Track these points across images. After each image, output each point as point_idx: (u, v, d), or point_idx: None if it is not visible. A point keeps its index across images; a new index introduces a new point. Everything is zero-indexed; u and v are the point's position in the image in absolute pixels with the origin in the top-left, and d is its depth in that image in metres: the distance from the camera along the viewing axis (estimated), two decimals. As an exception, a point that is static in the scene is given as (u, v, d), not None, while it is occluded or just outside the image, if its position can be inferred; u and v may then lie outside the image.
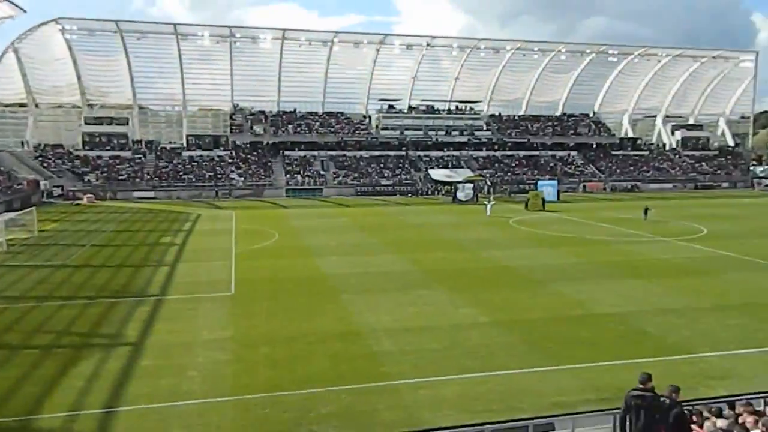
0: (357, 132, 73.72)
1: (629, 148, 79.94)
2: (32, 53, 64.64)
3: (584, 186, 68.89)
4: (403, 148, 72.81)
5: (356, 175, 67.01)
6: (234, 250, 29.23)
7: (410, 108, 76.41)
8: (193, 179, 62.74)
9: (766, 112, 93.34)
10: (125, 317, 17.81)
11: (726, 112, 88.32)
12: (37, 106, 68.87)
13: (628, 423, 8.28)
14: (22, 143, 66.08)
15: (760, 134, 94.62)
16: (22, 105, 68.35)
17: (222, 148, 68.85)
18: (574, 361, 14.20)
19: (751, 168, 79.53)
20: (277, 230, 36.17)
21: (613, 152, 78.04)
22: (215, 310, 18.66)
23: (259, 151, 69.96)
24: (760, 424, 7.52)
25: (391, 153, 72.04)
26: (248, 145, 70.67)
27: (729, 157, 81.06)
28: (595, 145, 79.09)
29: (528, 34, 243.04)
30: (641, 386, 8.39)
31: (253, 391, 12.37)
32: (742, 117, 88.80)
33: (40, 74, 67.33)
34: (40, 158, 63.07)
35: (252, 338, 15.87)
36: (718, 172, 77.03)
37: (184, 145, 69.75)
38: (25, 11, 52.91)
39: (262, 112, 74.22)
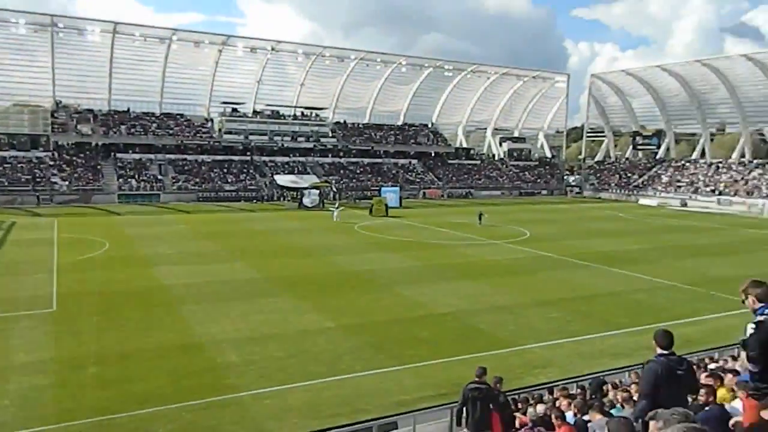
0: (198, 135, 70.48)
1: (463, 158, 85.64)
2: None
3: (424, 193, 72.54)
4: (248, 153, 71.09)
5: (197, 180, 64.02)
6: (56, 262, 26.42)
7: (255, 112, 74.86)
8: (6, 183, 55.61)
9: (576, 128, 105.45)
10: None
11: (544, 127, 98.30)
12: None
13: (465, 414, 8.84)
14: None
15: (572, 147, 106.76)
16: None
17: (42, 149, 61.76)
18: (415, 360, 14.87)
19: (565, 177, 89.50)
20: (108, 239, 33.32)
21: (450, 161, 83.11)
22: (33, 329, 16.71)
23: (87, 153, 63.89)
24: (572, 405, 8.47)
25: (235, 158, 69.95)
26: (73, 146, 64.26)
27: (547, 167, 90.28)
28: (433, 154, 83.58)
29: (371, 45, 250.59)
30: (477, 379, 9.02)
31: (79, 417, 11.26)
32: (557, 132, 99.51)
33: None
34: None
35: (78, 358, 14.44)
36: (539, 180, 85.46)
37: (-6, 144, 61.51)
38: None
39: (91, 111, 67.90)
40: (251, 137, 71.65)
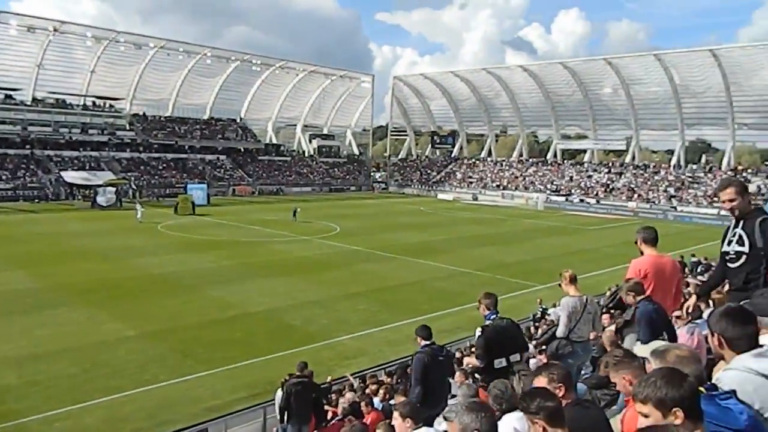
0: (-39, 124, 60.21)
1: (274, 154, 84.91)
2: None
3: (234, 189, 70.46)
4: (27, 146, 62.47)
5: (-39, 177, 54.77)
6: None
7: (35, 100, 65.91)
8: None
9: (381, 126, 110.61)
10: None
11: (352, 125, 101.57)
12: None
13: (287, 411, 8.76)
14: None
15: (378, 145, 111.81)
16: None
17: None
18: (227, 362, 14.46)
19: (372, 174, 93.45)
20: None
21: (260, 157, 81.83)
22: None
23: None
24: (381, 390, 8.95)
25: (11, 151, 60.90)
26: None
27: (355, 164, 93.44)
28: (243, 150, 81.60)
29: (172, 33, 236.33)
30: (299, 373, 9.08)
31: None
32: (364, 130, 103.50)
33: None
34: None
35: None
36: (347, 177, 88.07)
37: None
38: None
39: None
40: (31, 128, 63.00)
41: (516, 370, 5.87)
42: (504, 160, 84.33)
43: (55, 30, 64.21)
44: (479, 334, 5.89)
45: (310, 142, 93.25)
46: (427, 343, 6.69)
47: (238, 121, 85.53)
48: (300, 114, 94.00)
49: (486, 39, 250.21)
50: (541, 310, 16.89)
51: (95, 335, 16.20)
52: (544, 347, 6.46)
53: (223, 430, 9.53)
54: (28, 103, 65.02)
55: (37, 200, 54.39)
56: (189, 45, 75.73)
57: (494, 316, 6.02)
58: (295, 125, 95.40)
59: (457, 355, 11.05)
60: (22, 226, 38.44)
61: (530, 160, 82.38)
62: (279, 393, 9.10)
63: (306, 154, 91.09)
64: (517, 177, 77.39)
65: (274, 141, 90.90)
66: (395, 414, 4.18)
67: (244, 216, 47.04)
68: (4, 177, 56.94)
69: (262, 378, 13.34)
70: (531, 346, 9.94)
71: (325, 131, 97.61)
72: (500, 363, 5.74)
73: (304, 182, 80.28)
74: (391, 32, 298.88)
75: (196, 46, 76.64)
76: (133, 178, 62.74)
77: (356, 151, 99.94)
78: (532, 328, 14.42)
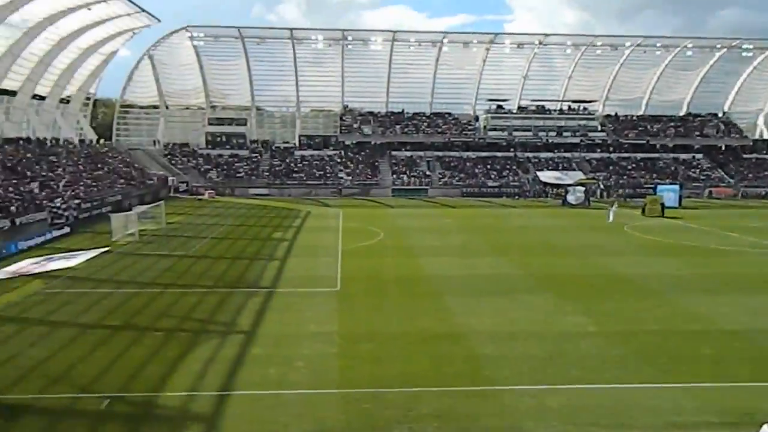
0: (464, 132, 73.15)
1: (764, 151, 72.92)
2: (164, 59, 70.33)
3: (710, 192, 63.75)
4: (511, 149, 71.29)
5: (462, 175, 66.54)
6: (340, 248, 30.04)
7: (520, 108, 74.66)
8: (304, 177, 65.24)
9: None
10: (239, 307, 18.87)
11: None
12: (167, 107, 74.65)
13: None
14: (154, 142, 71.80)
15: None
16: (154, 107, 74.51)
17: (331, 148, 71.03)
18: (692, 379, 13.20)
19: None
20: (382, 229, 36.74)
21: (746, 155, 71.62)
22: (322, 304, 19.27)
23: (367, 151, 71.37)
24: None
25: (499, 154, 70.78)
26: (356, 145, 72.29)
27: None
28: (723, 148, 73.03)
29: (650, 29, 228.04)
30: None
31: (356, 386, 12.65)
32: None
33: (171, 78, 72.97)
34: (169, 156, 68.37)
35: (356, 334, 16.23)
36: None
37: (297, 144, 72.63)
38: (159, 21, 57.36)
39: (371, 113, 75.61)
40: (515, 133, 71.76)
41: None
42: None
43: (540, 43, 70.99)
44: None
45: (817, 135, 76.08)
46: None
47: (720, 115, 76.82)
48: (804, 102, 77.74)
49: None
50: None
51: (559, 325, 17.20)
52: None
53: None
54: (514, 111, 73.95)
55: (516, 197, 61.46)
56: (667, 39, 72.22)
57: None
58: (796, 116, 79.38)
59: None
60: (504, 219, 44.05)
61: None
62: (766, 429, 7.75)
63: (809, 151, 74.77)
64: None
65: (766, 136, 77.80)
66: None
67: (720, 221, 42.03)
68: (492, 176, 66.44)
69: (735, 406, 11.66)
70: None
71: (840, 122, 77.92)
72: None
73: (804, 185, 66.20)
74: None
75: (675, 39, 72.39)
76: (601, 178, 63.96)
77: None
78: None
